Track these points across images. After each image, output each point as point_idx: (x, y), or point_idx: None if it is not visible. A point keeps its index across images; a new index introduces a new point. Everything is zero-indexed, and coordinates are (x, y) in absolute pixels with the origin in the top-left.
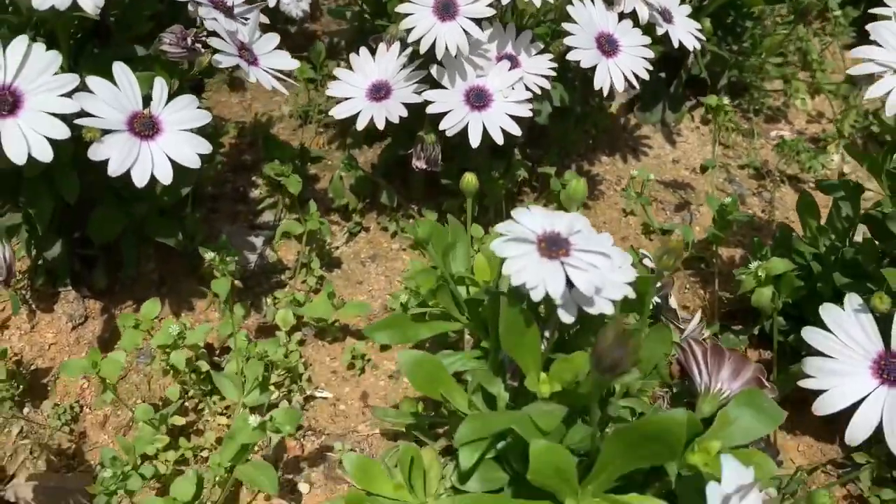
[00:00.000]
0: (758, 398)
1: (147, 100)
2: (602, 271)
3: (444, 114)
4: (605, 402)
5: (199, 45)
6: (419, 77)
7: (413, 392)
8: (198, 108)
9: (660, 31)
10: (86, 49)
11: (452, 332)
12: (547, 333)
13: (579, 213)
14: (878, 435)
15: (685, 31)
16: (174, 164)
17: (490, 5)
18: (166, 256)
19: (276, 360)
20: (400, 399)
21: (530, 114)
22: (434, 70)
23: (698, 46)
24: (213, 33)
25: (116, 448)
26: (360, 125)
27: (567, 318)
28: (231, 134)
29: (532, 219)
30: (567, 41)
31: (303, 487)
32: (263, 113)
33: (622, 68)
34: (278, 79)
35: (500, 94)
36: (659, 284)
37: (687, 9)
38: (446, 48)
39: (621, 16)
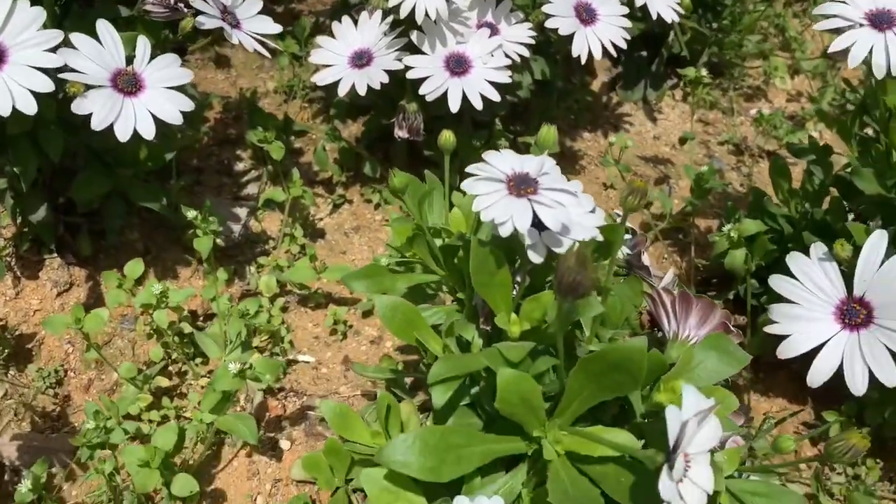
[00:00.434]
0: (723, 342)
1: (130, 59)
2: (568, 209)
3: (425, 79)
4: (574, 348)
5: (181, 6)
6: (400, 45)
7: (393, 353)
8: (180, 66)
9: (638, 3)
10: (71, 10)
11: (430, 286)
12: (519, 278)
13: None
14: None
15: (664, 4)
16: (157, 121)
17: None
18: (151, 226)
19: (259, 324)
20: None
21: (509, 80)
22: (414, 36)
23: (676, 19)
24: None
25: (100, 405)
26: (342, 91)
27: (536, 258)
28: (216, 109)
29: (502, 160)
30: (545, 9)
31: (284, 444)
32: (248, 88)
33: (600, 37)
34: (262, 43)
35: (479, 61)
36: (633, 243)
37: None
38: (426, 13)
39: None
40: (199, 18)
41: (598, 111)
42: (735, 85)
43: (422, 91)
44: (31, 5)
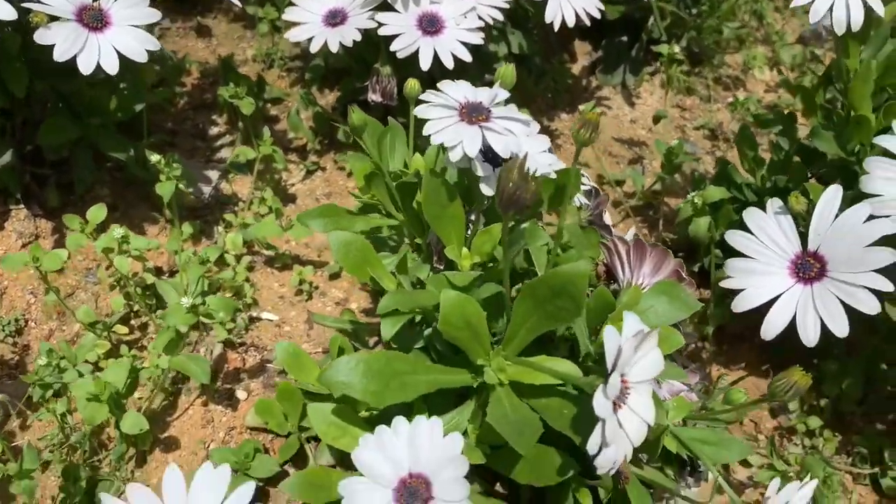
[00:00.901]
0: (673, 288)
1: None
2: (521, 140)
3: (397, 37)
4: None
5: None
6: (375, 4)
7: (359, 315)
8: (148, 6)
9: None
10: None
11: (392, 238)
12: (473, 218)
13: None
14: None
15: None
16: (123, 60)
17: None
18: (122, 184)
19: (223, 280)
20: None
21: (481, 41)
22: None
23: None
24: None
25: (56, 348)
26: (314, 48)
27: (488, 191)
28: (195, 75)
29: (456, 88)
30: None
31: (240, 394)
32: (228, 55)
33: (574, 4)
34: None
35: (452, 22)
36: (596, 203)
37: None
38: None
39: None
40: None
41: (576, 93)
42: (714, 74)
43: (393, 48)
44: None
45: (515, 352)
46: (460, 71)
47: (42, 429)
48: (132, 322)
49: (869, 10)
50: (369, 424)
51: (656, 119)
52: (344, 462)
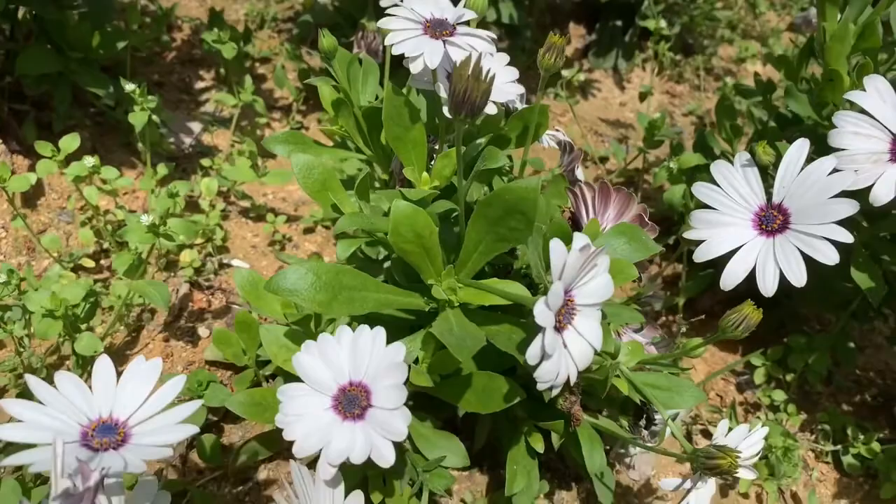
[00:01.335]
0: (632, 230)
1: None
2: (486, 61)
3: None
4: None
5: None
6: None
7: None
8: None
9: None
10: None
11: (358, 167)
12: (437, 147)
13: None
14: (773, 340)
15: None
16: None
17: None
18: (102, 130)
19: (197, 222)
20: None
21: None
22: None
23: None
24: None
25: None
26: None
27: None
28: (185, 30)
29: (423, 5)
30: None
31: (202, 332)
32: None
33: None
34: None
35: None
36: (570, 159)
37: None
38: None
39: None
40: None
41: (564, 80)
42: (706, 65)
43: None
44: None
45: (469, 276)
46: None
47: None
48: (101, 262)
49: None
50: None
51: (642, 95)
52: None
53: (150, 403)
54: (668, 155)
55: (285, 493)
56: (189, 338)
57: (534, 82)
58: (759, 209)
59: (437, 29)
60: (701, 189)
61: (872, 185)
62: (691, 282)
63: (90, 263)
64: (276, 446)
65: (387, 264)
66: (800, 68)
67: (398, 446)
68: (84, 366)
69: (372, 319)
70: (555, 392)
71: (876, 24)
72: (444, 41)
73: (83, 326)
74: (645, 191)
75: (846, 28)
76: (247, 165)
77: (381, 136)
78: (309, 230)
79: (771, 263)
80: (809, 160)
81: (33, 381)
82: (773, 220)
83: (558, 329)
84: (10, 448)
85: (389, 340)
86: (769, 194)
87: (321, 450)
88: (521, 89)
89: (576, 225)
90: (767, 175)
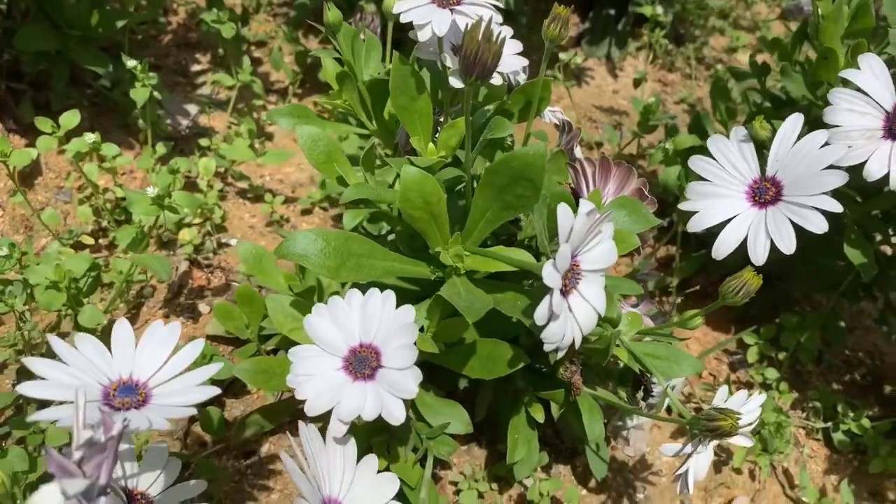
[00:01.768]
0: (632, 203)
1: None
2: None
3: None
4: None
5: None
6: None
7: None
8: None
9: None
10: None
11: (360, 143)
12: (441, 119)
13: None
14: (765, 319)
15: None
16: None
17: None
18: (99, 110)
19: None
20: None
21: None
22: None
23: None
24: None
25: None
26: None
27: (457, 83)
28: (181, 14)
29: None
30: None
31: (203, 308)
32: None
33: None
34: None
35: None
36: (568, 137)
37: None
38: None
39: None
40: None
41: (561, 62)
42: (698, 54)
43: None
44: None
45: (475, 244)
46: None
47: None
48: (100, 241)
49: None
50: None
51: (636, 82)
52: None
53: (169, 366)
54: (661, 140)
55: (296, 457)
56: (189, 314)
57: (531, 66)
58: (752, 182)
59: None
60: (697, 162)
61: (866, 160)
62: (685, 262)
63: (90, 241)
64: (279, 419)
65: (391, 237)
66: (793, 51)
67: None
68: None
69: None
70: (560, 354)
71: (869, 5)
72: (451, 10)
73: (85, 301)
74: (640, 174)
75: (840, 8)
76: (245, 145)
77: (385, 111)
78: (306, 211)
79: (762, 233)
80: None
81: (55, 342)
82: (765, 192)
83: (564, 293)
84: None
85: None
86: (763, 168)
87: (332, 409)
88: (525, 61)
89: (577, 199)
90: (762, 151)
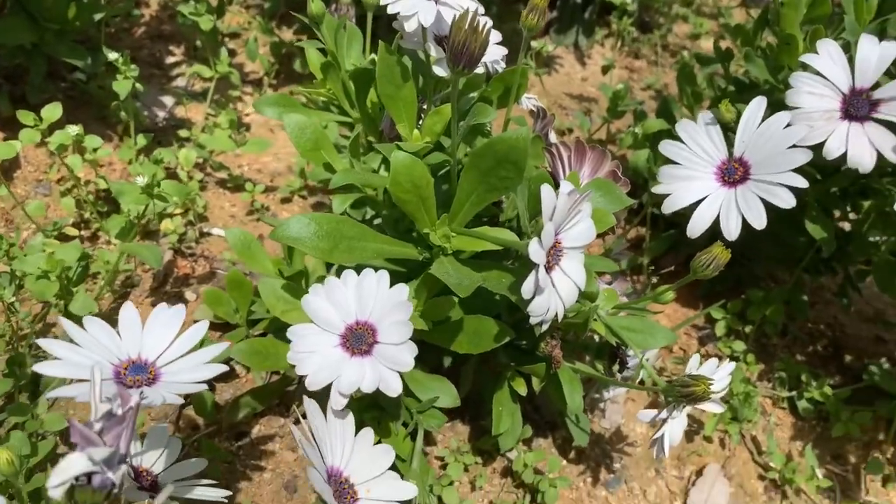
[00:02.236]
0: (607, 185)
1: None
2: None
3: None
4: None
5: None
6: None
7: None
8: None
9: None
10: None
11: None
12: (425, 107)
13: None
14: (731, 295)
15: None
16: None
17: None
18: (76, 103)
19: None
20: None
21: None
22: None
23: None
24: None
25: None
26: None
27: (441, 72)
28: (153, 6)
29: None
30: None
31: (189, 296)
32: None
33: None
34: None
35: None
36: (543, 124)
37: None
38: None
39: None
40: None
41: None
42: (662, 41)
43: None
44: None
45: (461, 225)
46: None
47: None
48: (82, 233)
49: None
50: None
51: (605, 69)
52: None
53: (176, 346)
54: (630, 125)
55: (302, 428)
56: (176, 302)
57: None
58: (721, 163)
59: None
60: (667, 146)
61: (825, 140)
62: (654, 243)
63: (74, 232)
64: (269, 401)
65: (376, 222)
66: (755, 37)
67: None
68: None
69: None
70: (545, 327)
71: None
72: (436, 1)
73: (75, 290)
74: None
75: None
76: (225, 135)
77: (368, 99)
78: (286, 200)
79: (734, 211)
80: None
81: (67, 324)
82: (734, 173)
83: (547, 269)
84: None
85: None
86: (730, 149)
87: (331, 385)
88: (504, 50)
89: (555, 182)
90: (728, 133)
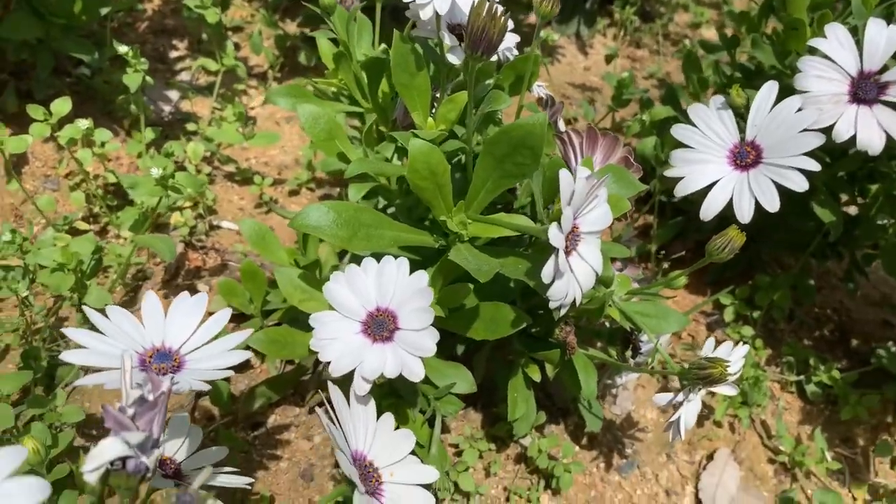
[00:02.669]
0: (619, 171)
1: None
2: None
3: None
4: None
5: None
6: None
7: None
8: None
9: None
10: None
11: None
12: (437, 95)
13: None
14: (739, 281)
15: None
16: None
17: None
18: (82, 98)
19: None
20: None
21: None
22: None
23: None
24: None
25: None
26: None
27: (454, 59)
28: (155, 2)
29: None
30: None
31: (201, 288)
32: None
33: None
34: None
35: None
36: (552, 111)
37: None
38: None
39: None
40: None
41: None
42: (664, 31)
43: None
44: None
45: (476, 212)
46: None
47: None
48: (91, 227)
49: None
50: None
51: (608, 58)
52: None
53: (199, 334)
54: (634, 114)
55: (328, 413)
56: (191, 293)
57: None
58: (733, 146)
59: None
60: (679, 130)
61: (834, 123)
62: (662, 230)
63: (84, 226)
64: (284, 390)
65: (389, 211)
66: (760, 23)
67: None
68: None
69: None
70: (563, 312)
71: None
72: None
73: (88, 283)
74: None
75: None
76: (234, 128)
77: (379, 89)
78: (294, 192)
79: (746, 194)
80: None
81: (92, 314)
82: (746, 156)
83: (566, 254)
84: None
85: None
86: (742, 134)
87: (352, 371)
88: (517, 38)
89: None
90: (739, 118)
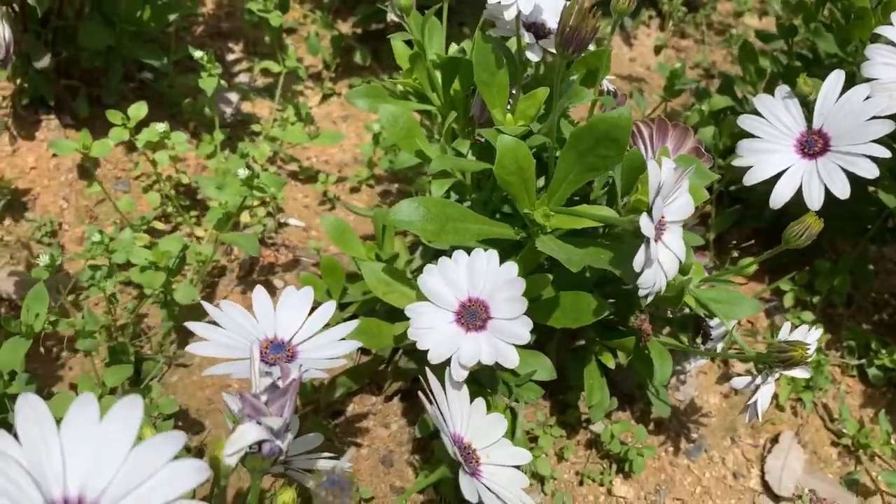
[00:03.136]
0: (692, 161)
1: None
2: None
3: None
4: None
5: None
6: None
7: None
8: None
9: None
10: None
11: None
12: (514, 92)
13: None
14: (798, 267)
15: None
16: None
17: None
18: (149, 103)
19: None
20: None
21: None
22: None
23: None
24: None
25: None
26: None
27: (533, 56)
28: (209, 6)
29: None
30: None
31: (277, 283)
32: None
33: None
34: None
35: None
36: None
37: None
38: None
39: None
40: None
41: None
42: (707, 20)
43: None
44: None
45: (558, 204)
46: None
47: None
48: (165, 226)
49: None
50: (411, 285)
51: (657, 49)
52: (391, 318)
53: (307, 325)
54: (686, 103)
55: (426, 397)
56: (268, 288)
57: None
58: (800, 135)
59: None
60: (746, 120)
61: None
62: (720, 218)
63: (161, 226)
64: (362, 380)
65: (467, 203)
66: (818, 12)
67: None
68: (172, 317)
69: None
70: (650, 299)
71: None
72: None
73: (173, 280)
74: None
75: None
76: (299, 129)
77: (451, 87)
78: (355, 189)
79: (815, 182)
80: None
81: (211, 309)
82: (814, 145)
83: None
84: None
85: None
86: (809, 122)
87: (451, 357)
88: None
89: None
90: (806, 106)
